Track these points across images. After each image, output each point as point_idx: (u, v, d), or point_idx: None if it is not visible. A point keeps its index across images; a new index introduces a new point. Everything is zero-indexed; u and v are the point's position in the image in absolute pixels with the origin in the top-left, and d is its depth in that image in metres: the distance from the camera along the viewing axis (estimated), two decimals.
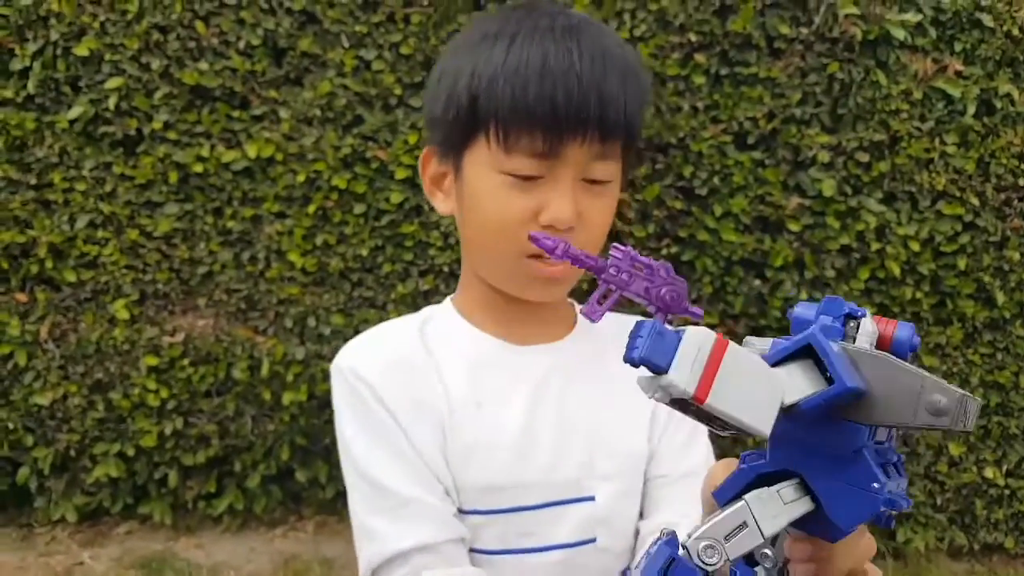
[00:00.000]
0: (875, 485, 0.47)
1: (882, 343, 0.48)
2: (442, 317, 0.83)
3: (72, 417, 2.61)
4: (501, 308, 0.79)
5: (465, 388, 0.77)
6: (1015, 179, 2.49)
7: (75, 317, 2.60)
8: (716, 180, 2.49)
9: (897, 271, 2.49)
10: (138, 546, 2.69)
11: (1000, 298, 2.52)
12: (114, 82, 2.47)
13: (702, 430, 0.81)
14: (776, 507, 0.47)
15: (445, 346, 0.80)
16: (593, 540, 0.77)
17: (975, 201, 2.47)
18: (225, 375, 2.61)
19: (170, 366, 2.59)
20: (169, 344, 2.58)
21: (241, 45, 2.48)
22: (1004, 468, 2.63)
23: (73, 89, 2.51)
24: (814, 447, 0.48)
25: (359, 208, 2.55)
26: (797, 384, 0.46)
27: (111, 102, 2.47)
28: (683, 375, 0.43)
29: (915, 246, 2.49)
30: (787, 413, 0.45)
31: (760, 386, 0.45)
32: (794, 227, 2.50)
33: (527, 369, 0.78)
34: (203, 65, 2.47)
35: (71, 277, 2.56)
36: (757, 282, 2.56)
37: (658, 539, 0.48)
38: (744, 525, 0.47)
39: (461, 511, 0.76)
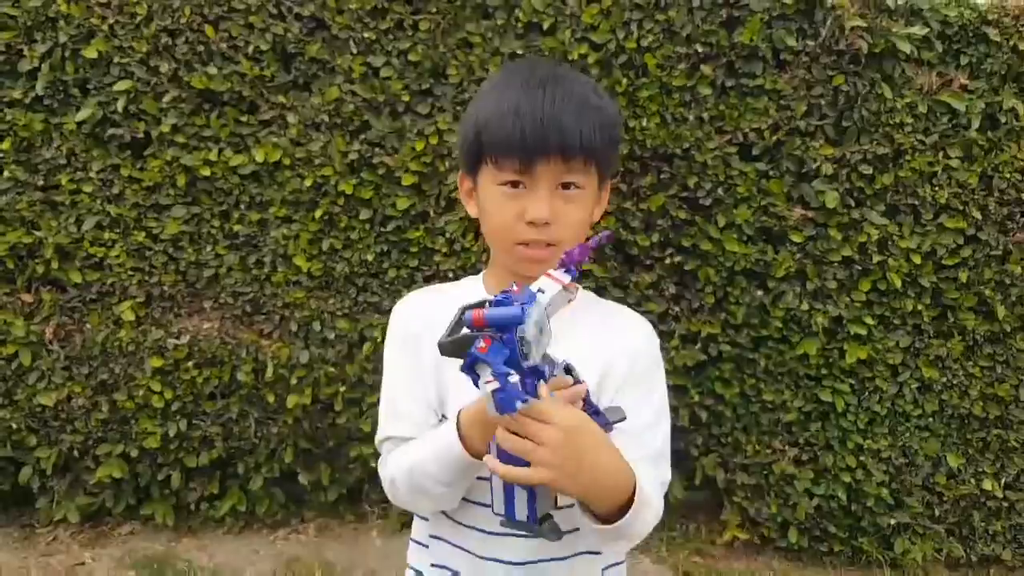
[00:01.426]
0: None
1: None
2: (471, 283, 1.13)
3: (76, 418, 2.62)
4: (508, 280, 0.98)
5: None
6: (1018, 193, 2.50)
7: (80, 318, 2.61)
8: (720, 191, 2.50)
9: (898, 283, 2.51)
10: (140, 547, 2.70)
11: (1001, 311, 2.53)
12: (122, 85, 2.47)
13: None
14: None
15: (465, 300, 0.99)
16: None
17: (977, 215, 2.49)
18: (230, 378, 2.62)
19: (175, 368, 2.60)
20: (174, 346, 2.59)
21: (250, 50, 2.49)
22: (1002, 481, 2.64)
23: (81, 91, 2.52)
24: None
25: (365, 214, 2.56)
26: None
27: (119, 105, 2.48)
28: None
29: (917, 259, 2.50)
30: None
31: None
32: (797, 238, 2.51)
33: None
34: (212, 69, 2.48)
35: (77, 278, 2.57)
36: (759, 293, 2.57)
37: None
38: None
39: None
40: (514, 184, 0.97)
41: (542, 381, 0.80)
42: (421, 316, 1.06)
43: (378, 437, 1.08)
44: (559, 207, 0.97)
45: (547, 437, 0.77)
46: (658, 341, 1.11)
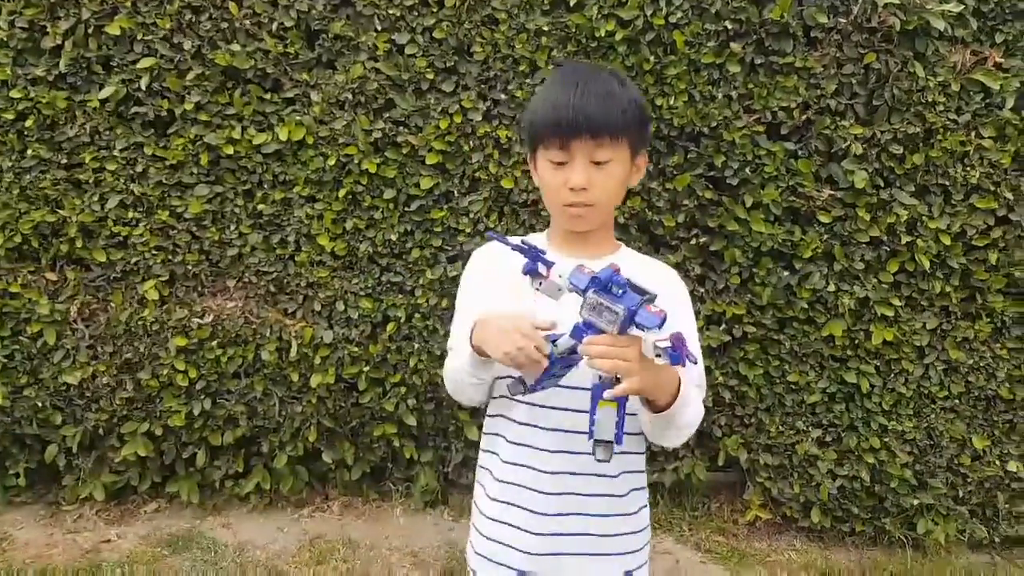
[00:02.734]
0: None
1: None
2: (539, 238, 1.39)
3: (101, 396, 2.63)
4: (565, 236, 1.33)
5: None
6: None
7: (105, 297, 2.62)
8: (747, 170, 2.48)
9: (927, 264, 2.49)
10: (165, 524, 2.72)
11: None
12: (146, 62, 2.46)
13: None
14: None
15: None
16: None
17: (1009, 195, 2.45)
18: (254, 357, 2.62)
19: (199, 347, 2.60)
20: (198, 325, 2.59)
21: (274, 27, 2.46)
22: None
23: (105, 68, 2.50)
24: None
25: (389, 193, 2.55)
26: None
27: (143, 82, 2.46)
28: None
29: (946, 240, 2.48)
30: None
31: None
32: (824, 219, 2.49)
33: None
34: (235, 46, 2.46)
35: (101, 257, 2.57)
36: (786, 273, 2.56)
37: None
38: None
39: None
40: (560, 162, 1.24)
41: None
42: (497, 256, 1.30)
43: (448, 345, 1.39)
44: (593, 176, 1.23)
45: (633, 354, 1.04)
46: (684, 285, 1.39)
